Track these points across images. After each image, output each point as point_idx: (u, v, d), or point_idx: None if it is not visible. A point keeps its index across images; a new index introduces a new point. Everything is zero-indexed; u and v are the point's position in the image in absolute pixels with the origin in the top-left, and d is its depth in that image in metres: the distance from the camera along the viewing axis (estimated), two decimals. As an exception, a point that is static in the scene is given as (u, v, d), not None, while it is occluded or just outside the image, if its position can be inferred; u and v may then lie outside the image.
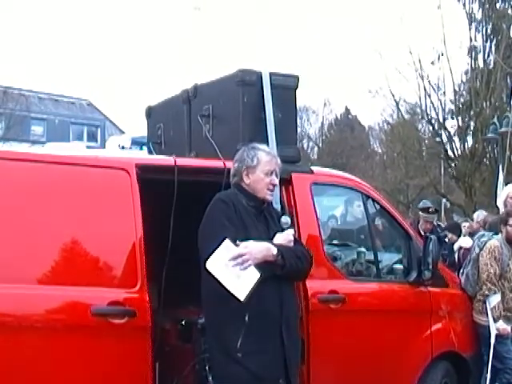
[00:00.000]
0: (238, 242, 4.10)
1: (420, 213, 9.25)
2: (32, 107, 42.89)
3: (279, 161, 4.65)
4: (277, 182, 4.60)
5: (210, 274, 4.06)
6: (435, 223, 9.55)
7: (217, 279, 4.05)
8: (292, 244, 4.43)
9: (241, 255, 4.04)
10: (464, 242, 10.27)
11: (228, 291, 4.03)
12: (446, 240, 9.60)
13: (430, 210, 9.13)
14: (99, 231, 4.62)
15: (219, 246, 4.06)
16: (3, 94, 34.45)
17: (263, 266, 4.15)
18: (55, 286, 4.40)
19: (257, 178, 4.50)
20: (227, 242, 4.07)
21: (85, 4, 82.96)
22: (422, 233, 8.69)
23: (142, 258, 4.61)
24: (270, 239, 4.35)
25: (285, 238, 4.42)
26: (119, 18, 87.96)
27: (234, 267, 4.03)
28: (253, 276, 4.06)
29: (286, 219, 4.59)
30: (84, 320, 4.37)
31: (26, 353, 4.22)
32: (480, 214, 10.99)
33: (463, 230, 11.08)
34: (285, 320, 4.34)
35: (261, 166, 4.51)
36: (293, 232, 4.53)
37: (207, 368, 4.70)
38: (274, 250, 4.25)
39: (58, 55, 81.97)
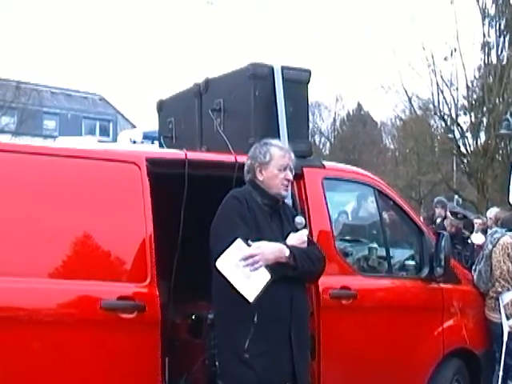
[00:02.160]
0: (249, 242, 4.05)
1: (451, 218, 9.26)
2: (45, 102, 42.88)
3: (293, 155, 4.60)
4: (291, 176, 4.55)
5: (219, 273, 4.03)
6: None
7: (226, 279, 4.01)
8: (305, 245, 4.38)
9: (252, 256, 4.00)
10: (476, 238, 10.21)
11: (237, 291, 3.99)
12: (469, 241, 9.54)
13: (459, 216, 9.15)
14: (109, 225, 4.60)
15: (231, 245, 4.01)
16: (16, 88, 34.39)
17: (275, 267, 4.10)
18: (65, 280, 4.39)
19: (270, 175, 4.45)
20: (239, 241, 4.02)
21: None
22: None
23: (152, 253, 4.59)
24: (283, 239, 4.30)
25: (298, 238, 4.36)
26: (132, 12, 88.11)
27: (245, 267, 3.99)
28: (263, 277, 4.02)
29: (300, 219, 4.53)
30: (94, 314, 4.35)
31: (36, 346, 4.22)
32: (493, 211, 10.92)
33: (475, 227, 11.00)
34: (294, 323, 4.28)
35: (274, 162, 4.46)
36: (307, 233, 4.48)
37: (217, 364, 4.67)
38: (287, 252, 4.20)
39: (70, 50, 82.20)
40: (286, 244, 4.26)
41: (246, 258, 3.99)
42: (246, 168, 4.60)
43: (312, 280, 4.76)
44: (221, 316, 4.41)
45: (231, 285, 4.00)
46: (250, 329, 4.13)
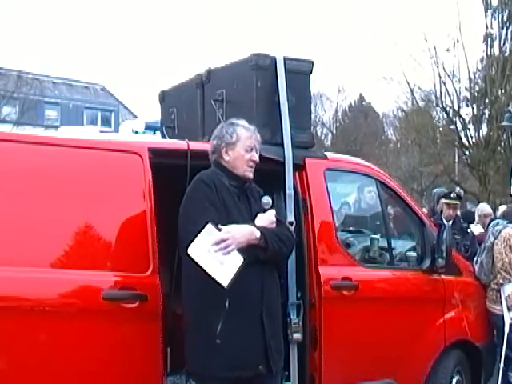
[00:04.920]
0: (220, 227, 4.03)
1: (443, 200, 9.16)
2: (46, 92, 42.86)
3: (259, 136, 4.58)
4: (257, 158, 4.52)
5: (191, 259, 3.99)
6: (458, 213, 9.43)
7: (199, 265, 3.98)
8: (274, 225, 4.36)
9: (223, 240, 3.98)
10: (476, 228, 10.23)
11: (211, 277, 3.97)
12: (469, 231, 9.50)
13: (452, 196, 9.04)
14: (111, 215, 4.59)
15: (201, 230, 3.98)
16: (17, 78, 34.40)
17: (246, 250, 4.08)
18: (67, 269, 4.38)
19: (237, 155, 4.44)
20: (209, 226, 3.98)
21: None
22: (445, 221, 8.61)
23: (154, 243, 4.59)
24: (252, 219, 4.29)
25: (267, 219, 4.34)
26: (134, 2, 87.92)
27: (217, 252, 3.96)
28: (236, 261, 3.99)
29: (267, 199, 4.48)
30: (95, 304, 4.35)
31: (38, 336, 4.21)
32: (483, 208, 10.91)
33: (476, 219, 11.01)
34: (266, 305, 4.27)
35: (241, 143, 4.45)
36: (274, 213, 4.44)
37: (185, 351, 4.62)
38: (257, 233, 4.18)
39: (72, 40, 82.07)
40: (255, 225, 4.25)
41: (217, 243, 3.96)
42: (210, 148, 4.57)
43: (281, 260, 4.67)
44: (191, 304, 4.36)
45: (204, 271, 3.97)
46: (222, 314, 4.10)
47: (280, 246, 4.31)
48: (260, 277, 4.26)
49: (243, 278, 4.01)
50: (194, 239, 3.98)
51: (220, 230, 4.01)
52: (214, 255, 3.96)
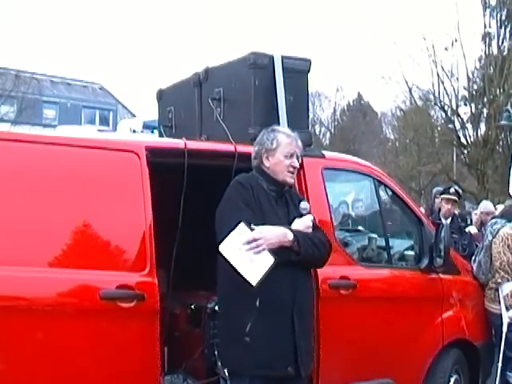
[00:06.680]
0: (252, 226, 4.06)
1: (442, 195, 9.15)
2: (44, 91, 42.88)
3: (300, 143, 4.60)
4: (297, 164, 4.56)
5: (223, 257, 4.03)
6: (456, 212, 9.41)
7: (230, 263, 4.01)
8: (310, 230, 4.38)
9: (255, 239, 4.00)
10: (473, 228, 10.23)
11: (240, 275, 3.99)
12: (466, 230, 9.48)
13: (451, 191, 9.03)
14: (108, 214, 4.57)
15: (233, 229, 4.02)
16: (15, 77, 34.39)
17: (278, 251, 4.10)
18: (64, 269, 4.36)
19: (277, 161, 4.47)
20: (242, 225, 4.02)
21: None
22: (443, 218, 8.63)
23: (151, 242, 4.57)
24: (289, 224, 4.31)
25: (303, 223, 4.37)
26: (133, 1, 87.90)
27: (248, 251, 3.99)
28: (266, 261, 4.02)
29: (304, 204, 4.52)
30: (93, 303, 4.33)
31: (35, 335, 4.20)
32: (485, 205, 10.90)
33: (474, 218, 11.01)
34: (297, 307, 4.28)
35: (280, 149, 4.48)
36: (311, 218, 4.47)
37: (216, 353, 4.66)
38: (290, 236, 4.20)
39: (70, 39, 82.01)
40: (290, 229, 4.26)
41: (248, 242, 3.99)
42: (253, 154, 4.61)
43: (316, 265, 4.73)
44: (224, 302, 4.44)
45: (234, 269, 4.00)
46: (252, 313, 4.15)
47: (313, 250, 4.34)
48: (292, 278, 4.28)
49: (275, 279, 4.04)
50: (225, 237, 4.02)
51: (252, 229, 4.05)
52: (245, 254, 4.00)
